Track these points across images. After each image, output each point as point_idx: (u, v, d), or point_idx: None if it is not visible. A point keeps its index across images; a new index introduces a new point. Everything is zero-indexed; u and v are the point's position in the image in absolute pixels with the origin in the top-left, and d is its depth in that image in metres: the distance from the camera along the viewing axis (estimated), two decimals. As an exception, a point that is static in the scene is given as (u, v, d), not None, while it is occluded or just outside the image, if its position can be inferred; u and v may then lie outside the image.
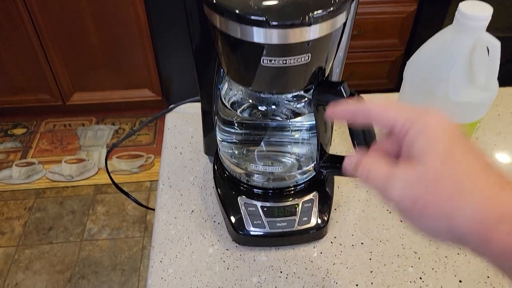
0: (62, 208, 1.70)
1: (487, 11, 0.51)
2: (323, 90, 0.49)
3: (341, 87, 0.48)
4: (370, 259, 0.56)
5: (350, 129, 0.51)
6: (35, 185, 1.79)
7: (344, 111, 0.36)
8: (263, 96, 0.51)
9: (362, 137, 0.50)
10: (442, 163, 0.27)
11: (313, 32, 0.41)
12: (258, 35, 0.40)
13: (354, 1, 0.46)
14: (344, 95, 0.48)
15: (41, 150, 1.94)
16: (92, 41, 1.80)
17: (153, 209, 0.75)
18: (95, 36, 1.79)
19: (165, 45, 1.84)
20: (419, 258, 0.56)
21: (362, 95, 0.47)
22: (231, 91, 0.56)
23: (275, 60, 0.42)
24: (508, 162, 0.70)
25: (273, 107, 0.53)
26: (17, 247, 1.57)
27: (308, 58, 0.43)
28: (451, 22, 0.54)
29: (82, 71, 1.90)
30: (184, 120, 0.77)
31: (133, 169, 1.85)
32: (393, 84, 2.07)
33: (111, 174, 0.80)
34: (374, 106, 0.33)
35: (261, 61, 0.43)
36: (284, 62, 0.42)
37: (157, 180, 0.66)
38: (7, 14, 1.68)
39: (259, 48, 0.41)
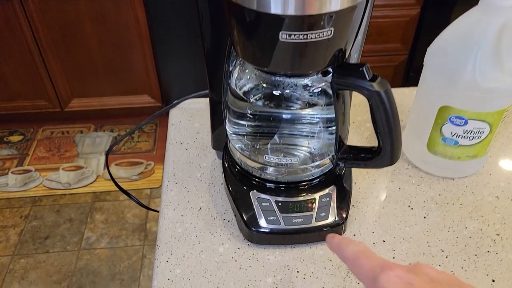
0: (59, 217, 1.66)
1: (517, -11, 0.47)
2: (344, 73, 0.45)
3: (363, 68, 0.45)
4: (393, 257, 0.51)
5: (372, 117, 0.47)
6: (32, 193, 1.74)
7: (330, 245, 0.38)
8: (278, 79, 0.48)
9: (386, 127, 0.46)
10: None
11: (335, 3, 0.37)
12: (276, 5, 0.37)
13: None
14: (367, 77, 0.45)
15: (38, 158, 1.90)
16: (91, 46, 1.77)
17: (156, 211, 0.71)
18: (94, 41, 1.76)
19: (165, 50, 1.81)
20: (446, 257, 0.51)
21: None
22: (242, 80, 0.53)
23: (294, 35, 0.39)
24: (532, 157, 0.66)
25: (287, 91, 0.49)
26: (12, 257, 1.51)
27: (331, 33, 0.39)
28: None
29: (80, 77, 1.87)
30: (189, 116, 0.73)
31: (133, 176, 1.81)
32: (397, 89, 2.05)
33: (110, 182, 0.75)
34: (347, 257, 0.35)
35: (280, 37, 0.39)
36: (305, 37, 0.39)
37: (158, 187, 0.62)
38: (5, 19, 1.65)
39: (278, 22, 0.38)
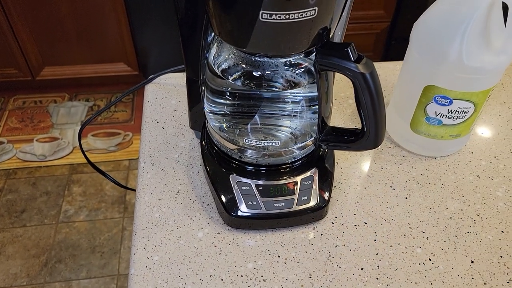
0: (36, 189, 1.62)
1: (509, -37, 0.45)
2: (328, 53, 0.43)
3: (348, 49, 0.42)
4: (375, 240, 0.51)
5: (356, 99, 0.45)
6: (5, 165, 1.69)
7: None
8: (258, 59, 0.45)
9: (370, 110, 0.44)
10: None
11: (321, -20, 0.34)
12: (257, -18, 0.34)
13: None
14: (352, 58, 0.42)
15: (10, 129, 1.83)
16: (62, 10, 1.68)
17: (134, 190, 0.69)
18: (64, 5, 1.66)
19: (141, 14, 1.73)
20: (427, 238, 0.51)
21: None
22: (220, 57, 0.50)
23: (276, 15, 0.36)
24: (513, 134, 0.66)
25: (268, 72, 0.47)
26: (-13, 231, 1.48)
27: (315, 13, 0.37)
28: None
29: (51, 44, 1.78)
30: (165, 92, 0.70)
31: (110, 148, 1.76)
32: (378, 57, 2.03)
33: (87, 153, 0.72)
34: None
35: (260, 16, 0.36)
36: (287, 17, 0.36)
37: (137, 159, 0.59)
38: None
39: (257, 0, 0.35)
